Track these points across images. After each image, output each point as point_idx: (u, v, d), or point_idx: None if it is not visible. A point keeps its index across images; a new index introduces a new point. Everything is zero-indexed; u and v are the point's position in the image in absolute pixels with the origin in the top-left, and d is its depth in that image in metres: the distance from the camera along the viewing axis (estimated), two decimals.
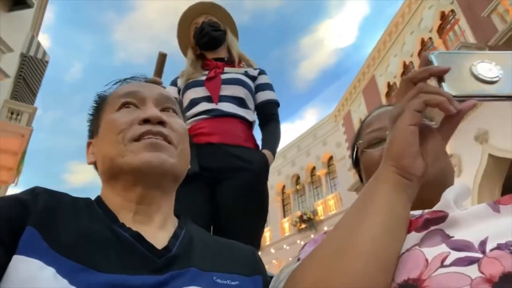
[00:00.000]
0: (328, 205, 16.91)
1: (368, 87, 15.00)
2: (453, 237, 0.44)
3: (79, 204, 0.55)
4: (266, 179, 1.43)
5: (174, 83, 1.68)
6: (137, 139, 0.58)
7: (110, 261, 0.47)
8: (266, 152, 1.46)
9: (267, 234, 18.62)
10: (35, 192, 0.52)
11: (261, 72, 1.68)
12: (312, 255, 0.49)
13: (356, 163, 0.77)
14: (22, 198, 0.50)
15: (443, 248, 0.43)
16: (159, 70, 1.26)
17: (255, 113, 1.63)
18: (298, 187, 19.44)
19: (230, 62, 1.65)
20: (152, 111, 0.61)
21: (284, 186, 20.07)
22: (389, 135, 0.49)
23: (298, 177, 19.44)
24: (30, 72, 9.86)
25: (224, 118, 1.44)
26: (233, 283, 0.55)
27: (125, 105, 0.63)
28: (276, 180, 19.78)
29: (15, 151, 7.95)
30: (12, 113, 8.61)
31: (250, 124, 1.53)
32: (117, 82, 0.72)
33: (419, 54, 11.86)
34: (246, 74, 1.61)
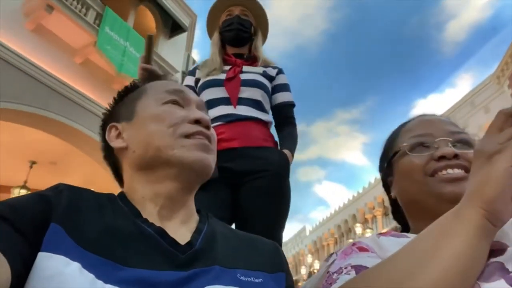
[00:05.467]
0: None
1: None
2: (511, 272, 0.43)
3: (102, 200, 0.56)
4: (288, 177, 1.43)
5: (192, 73, 1.67)
6: (188, 136, 0.60)
7: (134, 256, 0.48)
8: (286, 151, 1.47)
9: None
10: (59, 189, 0.53)
11: (279, 72, 1.65)
12: (371, 278, 0.47)
13: (387, 167, 0.75)
14: (46, 194, 0.51)
15: (502, 283, 0.42)
16: (148, 53, 1.26)
17: (270, 113, 1.62)
18: None
19: (249, 60, 1.63)
20: (201, 113, 0.64)
21: None
22: (478, 173, 0.45)
23: None
24: None
25: (242, 122, 1.45)
26: (256, 280, 0.55)
27: (173, 101, 0.65)
28: None
29: None
30: None
31: (267, 124, 1.53)
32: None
33: None
34: (264, 74, 1.59)
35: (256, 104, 1.50)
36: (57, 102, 6.38)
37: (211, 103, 1.50)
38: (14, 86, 5.86)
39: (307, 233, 34.18)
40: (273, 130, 1.61)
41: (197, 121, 0.63)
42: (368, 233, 21.58)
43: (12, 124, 6.14)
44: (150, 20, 9.27)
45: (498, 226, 0.44)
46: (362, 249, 0.59)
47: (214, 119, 1.45)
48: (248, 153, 1.39)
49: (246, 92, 1.50)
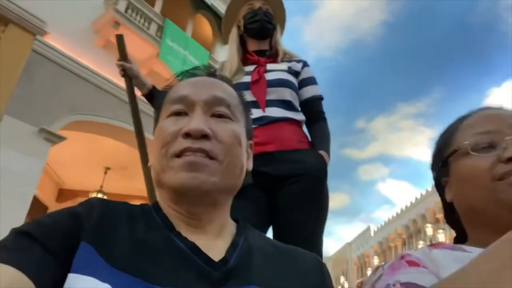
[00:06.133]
0: None
1: None
2: None
3: (135, 212, 0.55)
4: (326, 180, 1.38)
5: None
6: (179, 155, 0.54)
7: (166, 274, 0.46)
8: (323, 153, 1.41)
9: None
10: (91, 204, 0.52)
11: (305, 65, 1.59)
12: None
13: (442, 166, 0.67)
14: (77, 211, 0.49)
15: None
16: (121, 51, 1.21)
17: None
18: None
19: (272, 56, 1.58)
20: (194, 123, 0.55)
21: None
22: None
23: None
24: None
25: (274, 124, 1.40)
26: None
27: (176, 113, 0.59)
28: None
29: None
30: None
31: (300, 123, 1.48)
32: (178, 76, 0.68)
33: None
34: (289, 70, 1.54)
35: (285, 104, 1.46)
36: (126, 112, 6.82)
37: None
38: (88, 99, 6.39)
39: (372, 233, 33.09)
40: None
41: (187, 135, 0.55)
42: (441, 234, 20.29)
43: (87, 134, 6.70)
44: (207, 28, 9.60)
45: None
46: (412, 263, 0.53)
47: None
48: (284, 156, 1.35)
49: (274, 94, 1.45)
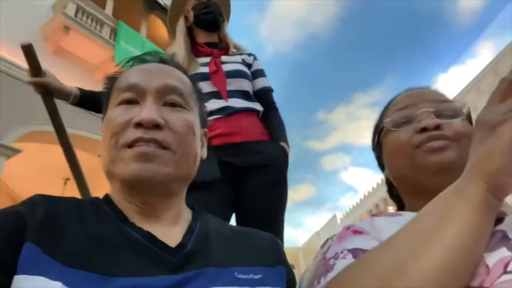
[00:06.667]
0: None
1: None
2: None
3: (84, 206, 0.52)
4: (287, 170, 1.44)
5: None
6: (130, 145, 0.52)
7: (122, 265, 0.45)
8: (284, 144, 1.46)
9: None
10: (34, 201, 0.48)
11: (255, 58, 1.65)
12: (365, 267, 0.44)
13: (377, 145, 0.72)
14: (18, 210, 0.46)
15: (504, 252, 0.40)
16: (32, 64, 1.14)
17: None
18: None
19: (223, 49, 1.60)
20: (145, 112, 0.53)
21: None
22: (480, 145, 0.42)
23: None
24: None
25: (237, 114, 1.42)
26: (256, 276, 0.51)
27: (126, 101, 0.56)
28: None
29: None
30: None
31: (258, 114, 1.51)
32: (128, 61, 0.64)
33: None
34: (244, 62, 1.58)
35: (245, 95, 1.49)
36: (84, 119, 6.62)
37: None
38: (42, 107, 6.11)
39: (338, 221, 33.99)
40: None
41: (139, 124, 0.52)
42: None
43: (43, 144, 6.42)
44: (162, 29, 9.44)
45: (502, 200, 0.41)
46: (357, 232, 0.56)
47: (209, 114, 1.38)
48: (250, 147, 1.38)
49: (233, 84, 1.47)
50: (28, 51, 1.16)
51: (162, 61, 0.64)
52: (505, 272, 0.37)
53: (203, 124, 0.66)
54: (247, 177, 1.36)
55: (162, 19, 9.31)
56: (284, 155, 1.44)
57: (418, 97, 0.67)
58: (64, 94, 1.39)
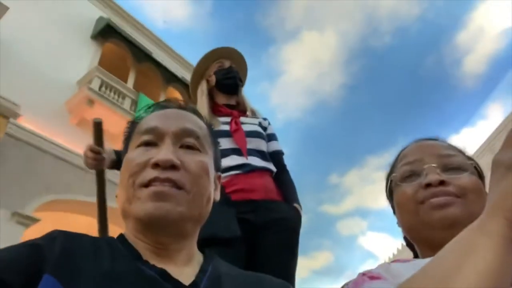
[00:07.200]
0: None
1: None
2: None
3: (100, 244, 0.53)
4: (299, 234, 1.47)
5: None
6: (147, 185, 0.54)
7: None
8: (297, 206, 1.50)
9: None
10: (52, 236, 0.50)
11: (269, 123, 1.75)
12: None
13: (390, 195, 0.73)
14: (38, 243, 0.48)
15: None
16: (97, 138, 1.21)
17: None
18: None
19: (242, 111, 1.70)
20: (163, 153, 0.55)
21: None
22: (498, 184, 0.43)
23: None
24: None
25: (256, 172, 1.47)
26: None
27: (145, 143, 0.59)
28: None
29: None
30: None
31: (273, 174, 1.57)
32: (149, 108, 0.68)
33: None
34: (260, 125, 1.66)
35: (262, 154, 1.55)
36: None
37: (222, 154, 1.55)
38: (62, 177, 6.28)
39: None
40: None
41: (156, 165, 0.54)
42: None
43: (59, 213, 6.47)
44: (179, 99, 9.89)
45: None
46: (373, 278, 0.55)
47: (228, 169, 1.44)
48: (267, 206, 1.41)
49: (252, 143, 1.53)
50: (98, 127, 1.25)
51: (181, 106, 0.67)
52: None
53: (217, 167, 0.68)
54: (263, 235, 1.37)
55: (179, 90, 9.80)
56: (298, 216, 1.47)
57: (424, 150, 0.68)
58: (111, 164, 1.47)
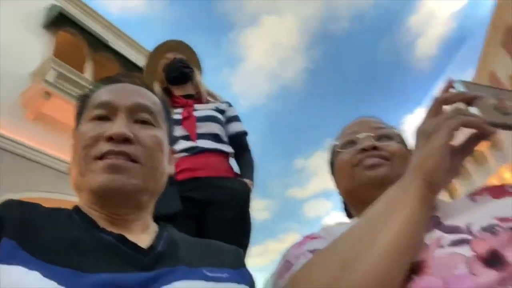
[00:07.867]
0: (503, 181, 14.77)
1: (508, 38, 13.08)
2: (442, 223, 0.51)
3: (56, 214, 0.53)
4: (249, 206, 1.50)
5: None
6: (100, 157, 0.55)
7: (96, 262, 0.46)
8: (248, 181, 1.55)
9: None
10: (8, 204, 0.50)
11: (229, 105, 1.79)
12: (326, 254, 0.50)
13: (332, 168, 0.81)
14: None
15: (437, 233, 0.49)
16: None
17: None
18: None
19: (198, 99, 1.74)
20: (117, 127, 0.56)
21: None
22: (420, 150, 0.51)
23: None
24: None
25: (204, 153, 1.51)
26: (223, 275, 0.55)
27: (98, 117, 0.59)
28: None
29: None
30: None
31: (227, 155, 1.61)
32: (101, 81, 0.68)
33: None
34: (216, 109, 1.70)
35: (214, 137, 1.59)
36: (66, 183, 6.51)
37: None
38: (24, 175, 6.00)
39: None
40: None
41: (110, 138, 0.55)
42: None
43: None
44: None
45: (437, 194, 0.50)
46: (314, 238, 0.63)
47: (178, 153, 1.49)
48: (211, 182, 1.44)
49: (203, 127, 1.58)
50: None
51: (134, 81, 0.68)
52: (438, 247, 0.46)
53: (171, 141, 0.70)
54: (208, 212, 1.40)
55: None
56: (247, 191, 1.50)
57: (362, 124, 0.77)
58: None
